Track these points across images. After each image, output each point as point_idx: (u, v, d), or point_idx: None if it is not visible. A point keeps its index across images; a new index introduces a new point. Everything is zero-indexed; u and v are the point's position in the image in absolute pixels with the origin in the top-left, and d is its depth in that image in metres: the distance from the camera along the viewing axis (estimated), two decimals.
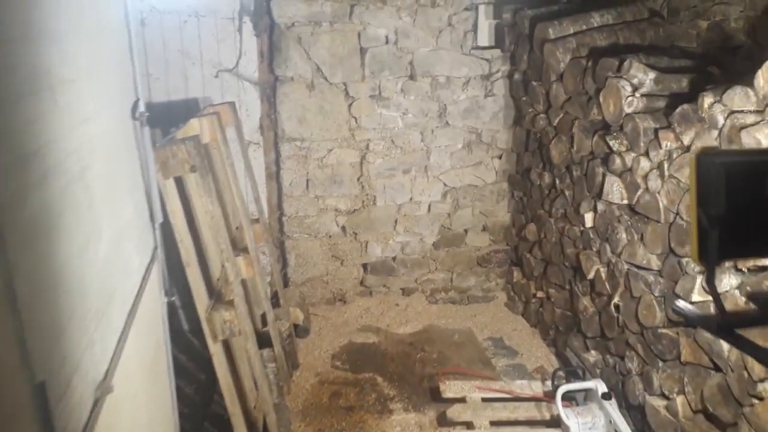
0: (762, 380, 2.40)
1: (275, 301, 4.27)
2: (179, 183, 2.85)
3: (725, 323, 1.32)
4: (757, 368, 2.41)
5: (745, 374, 2.50)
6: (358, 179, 4.90)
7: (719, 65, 3.52)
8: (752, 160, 1.22)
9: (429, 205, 5.08)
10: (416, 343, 4.53)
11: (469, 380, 3.95)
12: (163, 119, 3.51)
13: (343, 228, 4.98)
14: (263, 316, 3.77)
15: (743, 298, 2.57)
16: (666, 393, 3.12)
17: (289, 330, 4.10)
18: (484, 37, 4.86)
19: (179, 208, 2.75)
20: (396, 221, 5.07)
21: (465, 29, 4.80)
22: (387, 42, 4.67)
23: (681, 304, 1.59)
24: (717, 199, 1.23)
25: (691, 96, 2.97)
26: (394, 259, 5.15)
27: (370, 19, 4.60)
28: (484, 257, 5.22)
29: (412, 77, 4.77)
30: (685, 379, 2.96)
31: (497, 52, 4.84)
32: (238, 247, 3.51)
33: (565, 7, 4.56)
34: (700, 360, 2.84)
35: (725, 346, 2.64)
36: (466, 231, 5.17)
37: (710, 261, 1.27)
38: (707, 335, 2.75)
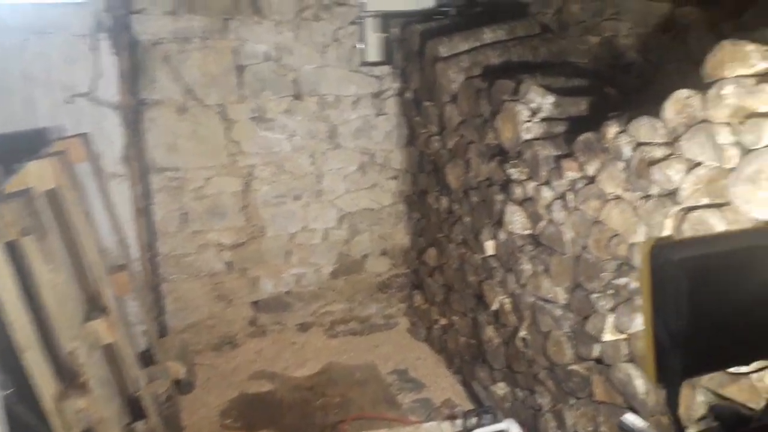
0: (683, 430, 2.26)
1: (150, 356, 3.74)
2: (12, 248, 2.31)
3: None
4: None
5: (664, 420, 2.37)
6: (243, 209, 4.46)
7: (613, 84, 3.45)
8: (717, 252, 1.00)
9: (325, 233, 4.73)
10: (316, 387, 4.16)
11: (375, 427, 3.64)
12: (5, 156, 2.92)
13: (229, 264, 4.51)
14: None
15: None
16: None
17: (168, 390, 3.60)
18: (373, 52, 4.58)
19: (10, 281, 2.21)
20: (289, 252, 4.67)
21: (352, 44, 4.49)
22: (267, 59, 4.26)
23: (630, 418, 1.36)
24: (678, 309, 0.99)
25: (593, 121, 2.83)
26: (288, 293, 4.75)
27: (247, 35, 4.17)
28: (384, 283, 4.95)
29: (297, 96, 4.40)
30: (600, 419, 2.82)
31: (387, 68, 4.59)
32: (97, 306, 2.98)
33: (455, 21, 4.38)
34: (615, 400, 2.71)
35: (642, 389, 2.50)
36: (365, 257, 4.87)
37: (672, 383, 1.04)
38: (620, 374, 2.61)
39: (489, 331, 3.68)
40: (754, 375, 1.99)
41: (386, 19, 4.48)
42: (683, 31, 3.15)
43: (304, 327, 4.82)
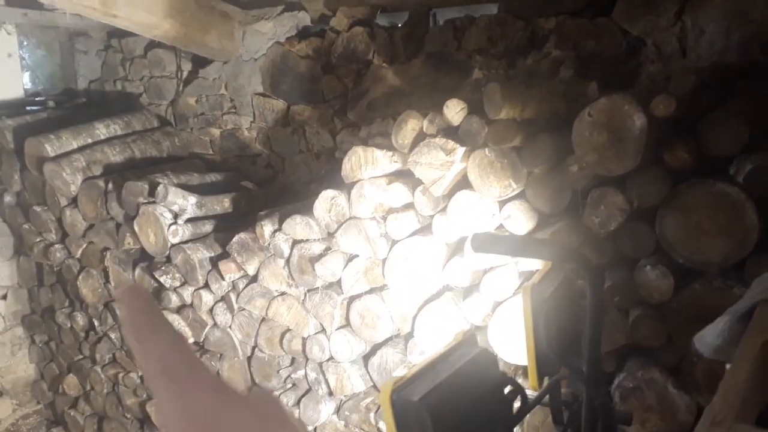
0: None
1: None
2: None
3: None
4: None
5: None
6: None
7: (246, 176, 3.52)
8: (444, 379, 1.04)
9: None
10: None
11: None
12: None
13: None
14: None
15: (342, 423, 2.53)
16: None
17: None
18: None
19: None
20: None
21: None
22: None
23: None
24: None
25: (241, 219, 2.82)
26: None
27: None
28: (8, 431, 3.96)
29: None
30: None
31: None
32: None
33: (55, 114, 3.88)
34: None
35: None
36: None
37: None
38: None
39: None
40: None
41: None
42: (300, 126, 3.42)
43: None
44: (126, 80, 4.11)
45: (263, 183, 3.53)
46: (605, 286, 1.57)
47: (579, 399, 1.58)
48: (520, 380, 1.79)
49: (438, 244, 2.08)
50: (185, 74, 3.89)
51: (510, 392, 1.21)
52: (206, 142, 3.85)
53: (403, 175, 2.19)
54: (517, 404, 1.23)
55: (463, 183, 1.98)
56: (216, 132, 3.80)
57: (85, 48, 4.28)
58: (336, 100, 3.22)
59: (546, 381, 1.41)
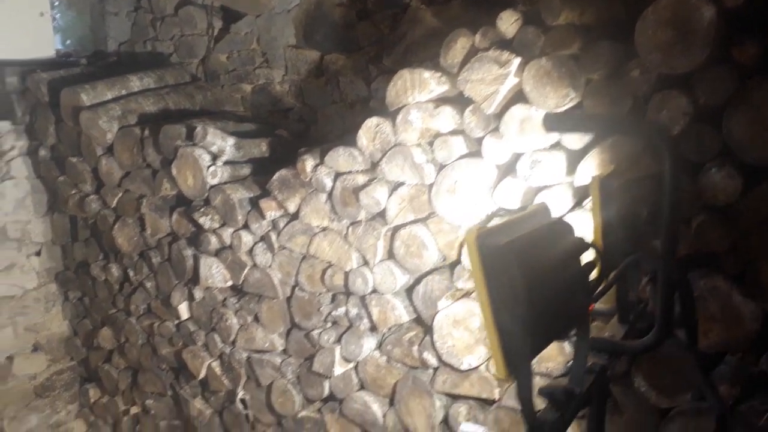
0: None
1: None
2: None
3: None
4: (421, 428, 2.36)
5: None
6: None
7: (278, 128, 3.51)
8: (526, 233, 1.02)
9: None
10: None
11: None
12: None
13: None
14: None
15: (384, 359, 2.51)
16: None
17: None
18: None
19: None
20: None
21: None
22: None
23: (467, 427, 1.30)
24: (514, 292, 0.97)
25: (276, 162, 2.80)
26: None
27: None
28: (43, 385, 4.00)
29: None
30: None
31: (7, 124, 3.78)
32: None
33: (88, 70, 3.89)
34: None
35: (379, 412, 2.53)
36: (10, 358, 3.85)
37: (522, 369, 1.01)
38: (356, 404, 2.60)
39: (197, 405, 3.28)
40: (482, 367, 2.21)
41: None
42: (334, 76, 3.40)
43: None
44: (156, 40, 4.11)
45: (296, 137, 3.52)
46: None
47: (643, 301, 1.55)
48: None
49: (488, 166, 2.05)
50: (216, 31, 3.88)
51: (588, 263, 1.18)
52: (237, 99, 3.84)
53: (451, 101, 2.16)
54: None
55: (516, 99, 1.94)
56: (247, 88, 3.79)
57: (115, 9, 4.29)
58: (371, 47, 3.19)
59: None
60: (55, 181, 3.70)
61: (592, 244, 1.19)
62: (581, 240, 1.16)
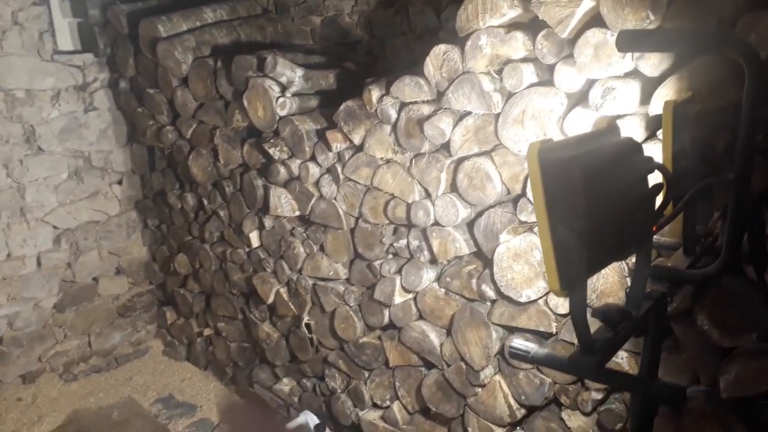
0: (483, 368, 2.40)
1: None
2: None
3: (600, 363, 1.07)
4: (477, 358, 2.39)
5: (463, 366, 2.48)
6: None
7: (345, 60, 3.49)
8: (592, 149, 0.99)
9: (38, 258, 3.89)
10: None
11: None
12: None
13: None
14: None
15: (442, 291, 2.53)
16: (379, 403, 2.97)
17: None
18: (66, 39, 3.89)
19: None
20: None
21: (40, 29, 3.75)
22: None
23: (518, 343, 1.32)
24: (574, 207, 0.95)
25: (345, 93, 2.80)
26: (0, 340, 3.79)
27: None
28: (125, 306, 4.30)
29: None
30: (397, 384, 2.85)
31: (90, 56, 3.94)
32: None
33: (164, 2, 3.96)
34: (410, 361, 2.76)
35: (436, 341, 2.58)
36: (96, 279, 4.15)
37: (577, 286, 1.00)
38: (414, 333, 2.65)
39: (265, 328, 3.44)
40: (541, 300, 2.20)
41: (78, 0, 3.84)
42: (404, 7, 3.33)
43: (29, 377, 3.92)
44: None
45: (363, 69, 3.50)
46: None
47: (712, 235, 1.48)
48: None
49: (558, 95, 1.98)
50: None
51: (655, 185, 1.13)
52: (307, 31, 3.84)
53: (524, 27, 2.08)
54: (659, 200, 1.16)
55: (592, 22, 1.85)
56: (317, 20, 3.78)
57: None
58: None
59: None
60: (134, 113, 3.86)
61: (661, 166, 1.14)
62: (650, 159, 1.11)
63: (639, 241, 1.12)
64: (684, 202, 1.23)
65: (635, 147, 1.13)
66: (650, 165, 1.11)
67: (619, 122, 1.85)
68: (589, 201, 0.95)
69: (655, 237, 1.35)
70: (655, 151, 1.69)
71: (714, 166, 1.41)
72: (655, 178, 1.13)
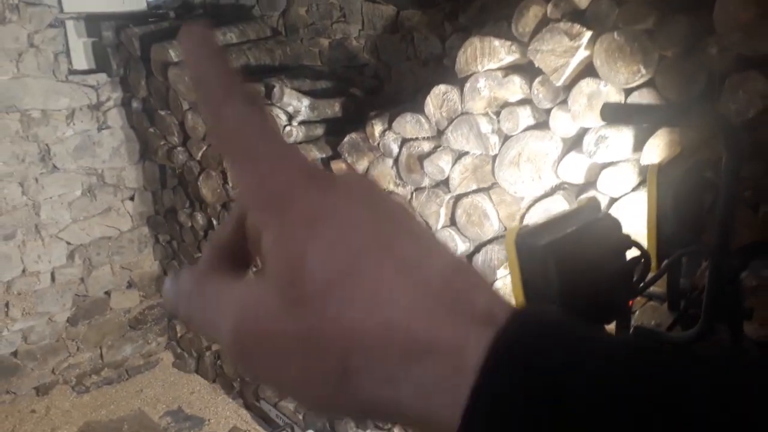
0: None
1: None
2: None
3: None
4: None
5: None
6: None
7: (353, 85, 3.55)
8: (567, 233, 1.04)
9: (52, 274, 3.99)
10: None
11: None
12: None
13: None
14: None
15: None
16: (381, 425, 3.03)
17: None
18: (81, 59, 3.99)
19: None
20: (7, 304, 3.83)
21: (55, 50, 3.85)
22: None
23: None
24: (549, 289, 1.01)
25: (349, 122, 2.87)
26: (15, 354, 3.91)
27: None
28: (137, 318, 4.40)
29: None
30: None
31: (104, 76, 4.03)
32: None
33: (175, 24, 4.05)
34: None
35: None
36: (108, 293, 4.25)
37: None
38: None
39: None
40: None
41: (92, 22, 3.93)
42: (409, 33, 3.39)
43: (43, 389, 4.03)
44: None
45: (369, 93, 3.56)
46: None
47: (698, 288, 1.53)
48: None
49: (554, 139, 2.03)
50: None
51: (632, 259, 1.18)
52: (315, 53, 3.90)
53: (521, 70, 2.13)
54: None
55: (585, 72, 1.89)
56: (325, 42, 3.84)
57: None
58: (447, 3, 3.15)
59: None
60: (146, 132, 3.96)
61: (638, 244, 1.19)
62: (627, 237, 1.16)
63: (617, 313, 1.17)
64: (662, 270, 1.27)
65: (614, 224, 1.18)
66: (628, 242, 1.16)
67: (611, 169, 1.90)
68: (564, 283, 1.00)
69: None
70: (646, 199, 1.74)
71: (702, 223, 1.46)
72: (633, 251, 1.18)
